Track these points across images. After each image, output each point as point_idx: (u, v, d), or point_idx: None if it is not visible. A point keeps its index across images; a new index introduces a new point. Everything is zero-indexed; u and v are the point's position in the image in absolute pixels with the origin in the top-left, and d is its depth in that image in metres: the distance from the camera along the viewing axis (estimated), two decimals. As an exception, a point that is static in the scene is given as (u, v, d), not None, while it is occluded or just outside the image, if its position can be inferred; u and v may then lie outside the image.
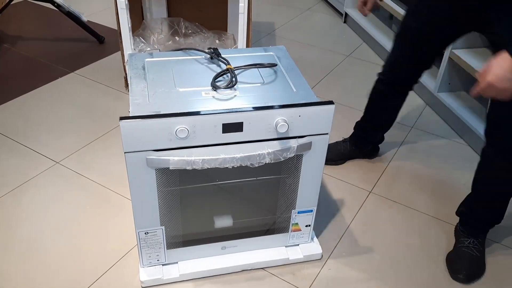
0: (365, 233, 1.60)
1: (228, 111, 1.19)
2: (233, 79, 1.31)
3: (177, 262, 1.45)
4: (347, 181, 1.85)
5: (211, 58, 1.42)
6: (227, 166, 1.23)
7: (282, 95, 1.28)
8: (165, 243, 1.38)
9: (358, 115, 1.90)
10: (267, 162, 1.25)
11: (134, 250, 1.53)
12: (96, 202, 1.71)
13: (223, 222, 1.45)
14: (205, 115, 1.17)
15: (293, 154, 1.27)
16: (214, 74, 1.32)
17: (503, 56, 1.12)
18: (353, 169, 1.92)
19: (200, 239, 1.44)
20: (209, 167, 1.22)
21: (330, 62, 2.73)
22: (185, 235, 1.41)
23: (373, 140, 1.96)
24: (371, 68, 2.68)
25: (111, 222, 1.63)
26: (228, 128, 1.20)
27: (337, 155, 1.95)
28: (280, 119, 1.22)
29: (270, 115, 1.21)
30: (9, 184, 1.77)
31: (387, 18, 2.94)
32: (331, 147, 1.87)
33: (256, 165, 1.25)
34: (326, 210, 1.72)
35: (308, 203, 1.44)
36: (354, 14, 3.10)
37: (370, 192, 1.81)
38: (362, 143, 1.95)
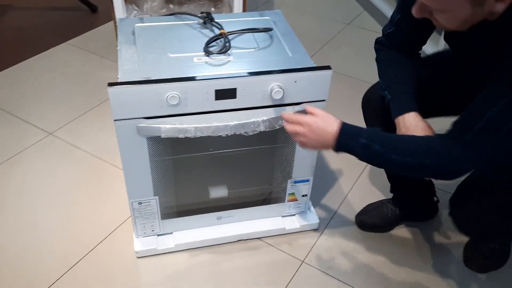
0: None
1: (220, 76, 1.14)
2: (227, 44, 1.26)
3: (172, 233, 1.43)
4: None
5: (204, 23, 1.37)
6: (220, 134, 1.19)
7: (278, 61, 1.23)
8: (159, 214, 1.36)
9: (358, 84, 1.85)
10: (262, 130, 1.21)
11: (129, 221, 1.51)
12: (90, 173, 1.68)
13: (218, 192, 1.42)
14: (197, 81, 1.13)
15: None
16: (207, 39, 1.27)
17: (331, 125, 1.05)
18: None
19: (195, 210, 1.42)
20: (202, 135, 1.18)
21: (329, 31, 2.67)
22: (180, 205, 1.38)
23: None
24: (372, 37, 2.61)
25: (105, 192, 1.61)
26: (221, 94, 1.16)
27: (383, 219, 1.51)
28: (275, 85, 1.17)
29: (264, 81, 1.17)
30: (1, 155, 1.74)
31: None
32: (374, 209, 1.54)
33: (251, 133, 1.21)
34: (324, 180, 1.70)
35: (305, 173, 1.41)
36: (354, -19, 3.01)
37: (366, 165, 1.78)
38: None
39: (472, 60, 1.08)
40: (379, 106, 1.25)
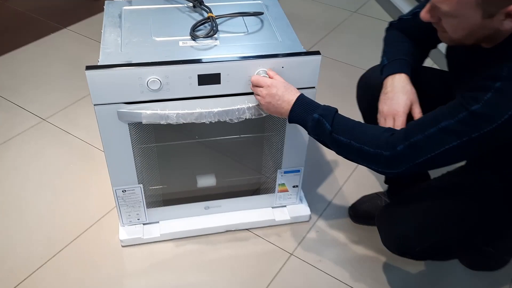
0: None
1: (204, 61, 1.10)
2: (214, 28, 1.21)
3: (158, 222, 1.40)
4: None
5: (194, 6, 1.33)
6: (204, 121, 1.15)
7: (266, 46, 1.18)
8: (144, 202, 1.33)
9: (360, 73, 1.79)
10: (247, 118, 1.17)
11: (116, 209, 1.48)
12: (81, 160, 1.66)
13: (206, 181, 1.39)
14: (178, 65, 1.09)
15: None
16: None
17: (290, 94, 1.07)
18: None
19: (182, 199, 1.38)
20: (184, 121, 1.14)
21: (334, 18, 2.60)
22: (166, 194, 1.35)
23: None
24: (378, 25, 2.54)
25: (95, 179, 1.59)
26: (204, 79, 1.12)
27: (376, 210, 1.33)
28: (261, 71, 1.13)
29: (250, 66, 1.12)
30: (-7, 140, 1.73)
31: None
32: (368, 201, 1.50)
33: (236, 121, 1.17)
34: (319, 172, 1.65)
35: (295, 162, 1.36)
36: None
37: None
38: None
39: (465, 80, 1.03)
40: (374, 86, 1.20)
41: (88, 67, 1.05)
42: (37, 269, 1.31)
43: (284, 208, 1.47)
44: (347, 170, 1.66)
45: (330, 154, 1.72)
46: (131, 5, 1.33)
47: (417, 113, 1.09)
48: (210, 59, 1.11)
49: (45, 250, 1.36)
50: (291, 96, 1.08)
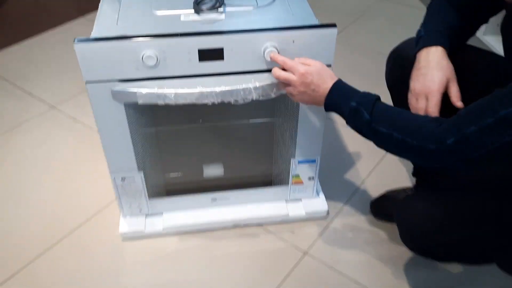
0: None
1: (204, 33, 0.99)
2: (219, 0, 1.10)
3: (162, 213, 1.30)
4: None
5: (201, -20, 1.22)
6: (205, 102, 1.04)
7: (276, 20, 1.06)
8: (146, 192, 1.23)
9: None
10: (254, 99, 1.05)
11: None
12: (88, 147, 1.58)
13: (213, 171, 1.28)
14: (176, 37, 0.98)
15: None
16: (199, -5, 1.12)
17: (326, 81, 0.96)
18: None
19: (187, 189, 1.28)
20: (184, 102, 1.03)
21: (362, 4, 2.44)
22: (169, 183, 1.25)
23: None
24: (409, 12, 2.37)
25: (101, 168, 1.50)
26: (206, 55, 1.00)
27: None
28: (269, 45, 1.01)
29: (256, 40, 1.00)
30: (1, 126, 1.67)
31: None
32: (393, 196, 1.34)
33: (242, 102, 1.05)
34: (339, 163, 1.52)
35: (310, 151, 1.23)
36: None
37: (392, 146, 1.58)
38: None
39: None
40: (406, 58, 1.06)
41: (78, 40, 0.96)
42: (32, 260, 1.23)
43: (299, 202, 1.34)
44: (371, 161, 1.52)
45: (351, 142, 1.58)
46: (134, -20, 1.24)
47: (455, 93, 0.95)
48: (211, 31, 1.00)
49: (41, 241, 1.28)
50: (328, 83, 0.96)
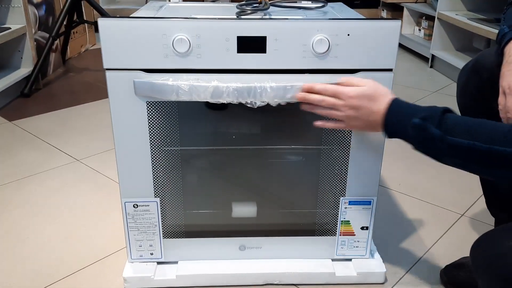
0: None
1: (245, 18, 0.87)
2: (264, 6, 1.00)
3: (177, 262, 1.05)
4: (430, 201, 1.37)
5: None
6: (247, 101, 0.87)
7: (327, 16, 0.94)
8: (160, 227, 1.01)
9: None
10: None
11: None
12: (105, 198, 1.40)
13: (244, 210, 1.05)
14: (213, 20, 0.86)
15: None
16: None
17: (379, 101, 0.80)
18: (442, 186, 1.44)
19: (209, 231, 1.04)
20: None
21: (413, 97, 2.34)
22: (189, 221, 1.02)
23: None
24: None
25: (114, 217, 1.30)
26: (246, 45, 0.86)
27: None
28: (319, 35, 0.86)
29: (305, 31, 0.86)
30: (18, 173, 1.54)
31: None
32: (468, 264, 1.06)
33: (283, 104, 0.88)
34: (398, 229, 1.25)
35: (365, 189, 1.00)
36: (443, 54, 2.73)
37: (462, 215, 1.31)
38: None
39: None
40: (487, 67, 0.88)
41: (102, 18, 0.85)
42: (11, 307, 0.98)
43: (349, 261, 1.07)
44: (447, 219, 1.24)
45: (413, 213, 1.32)
46: (176, 3, 1.18)
47: None
48: (254, 18, 0.87)
49: (31, 284, 1.04)
50: (381, 104, 0.80)
